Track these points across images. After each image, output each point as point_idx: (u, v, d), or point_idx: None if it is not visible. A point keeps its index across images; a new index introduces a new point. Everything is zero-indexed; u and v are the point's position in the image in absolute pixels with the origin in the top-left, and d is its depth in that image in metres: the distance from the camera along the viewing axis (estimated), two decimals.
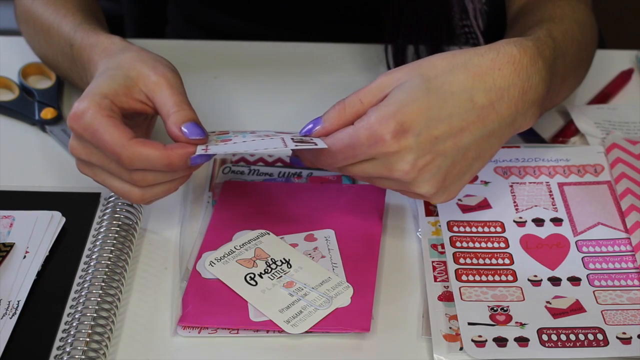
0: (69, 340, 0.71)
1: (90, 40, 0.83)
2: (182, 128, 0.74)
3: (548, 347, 0.72)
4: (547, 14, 0.88)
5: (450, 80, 0.73)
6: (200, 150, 0.73)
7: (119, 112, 0.75)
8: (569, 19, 0.87)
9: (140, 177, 0.74)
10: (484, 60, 0.74)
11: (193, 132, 0.74)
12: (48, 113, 0.94)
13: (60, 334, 0.73)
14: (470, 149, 0.74)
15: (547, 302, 0.75)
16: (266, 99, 0.98)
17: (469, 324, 0.73)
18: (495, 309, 0.75)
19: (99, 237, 0.79)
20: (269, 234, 0.81)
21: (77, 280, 0.77)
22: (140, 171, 0.73)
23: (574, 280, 0.77)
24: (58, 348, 0.72)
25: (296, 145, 0.73)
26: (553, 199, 0.85)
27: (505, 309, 0.75)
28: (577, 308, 0.75)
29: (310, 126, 0.75)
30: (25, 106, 0.95)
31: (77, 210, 0.83)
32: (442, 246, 0.80)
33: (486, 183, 0.86)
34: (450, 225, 0.82)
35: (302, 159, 0.77)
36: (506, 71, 0.74)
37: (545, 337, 0.72)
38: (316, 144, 0.72)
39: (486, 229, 0.82)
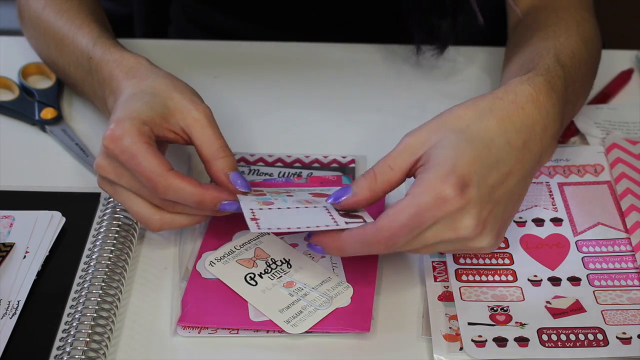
0: (69, 340, 0.71)
1: (113, 56, 0.84)
2: (230, 177, 0.76)
3: (548, 347, 0.72)
4: (551, 30, 0.87)
5: (485, 127, 0.72)
6: (249, 220, 0.72)
7: (155, 140, 0.76)
8: (575, 35, 0.86)
9: (170, 204, 0.75)
10: (505, 103, 0.73)
11: (241, 185, 0.76)
12: (48, 113, 0.94)
13: (60, 334, 0.73)
14: (515, 192, 0.73)
15: (547, 302, 0.75)
16: (266, 99, 0.98)
17: (469, 324, 0.73)
18: (495, 309, 0.75)
19: (99, 237, 0.79)
20: (269, 234, 0.81)
21: (77, 280, 0.77)
22: (171, 201, 0.75)
23: (574, 280, 0.77)
24: (58, 348, 0.72)
25: (347, 222, 0.71)
26: (553, 198, 0.85)
27: (505, 309, 0.75)
28: (577, 308, 0.75)
29: (339, 194, 0.73)
30: (25, 106, 0.95)
31: (77, 210, 0.83)
32: None
33: None
34: None
35: (329, 247, 0.72)
36: (528, 110, 0.74)
37: (545, 337, 0.72)
38: (364, 219, 0.70)
39: None
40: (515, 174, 0.72)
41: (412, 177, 0.72)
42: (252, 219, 0.72)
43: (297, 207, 0.75)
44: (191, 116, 0.77)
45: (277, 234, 0.81)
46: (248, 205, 0.74)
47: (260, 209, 0.74)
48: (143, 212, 0.76)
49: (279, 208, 0.75)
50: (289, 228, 0.72)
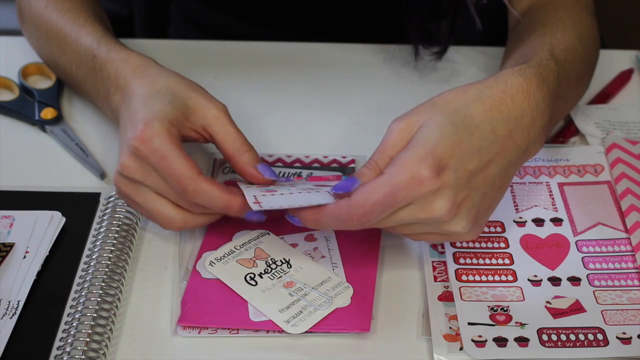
0: (69, 340, 0.71)
1: (119, 54, 0.84)
2: (258, 168, 0.77)
3: (548, 347, 0.72)
4: (548, 28, 0.87)
5: (471, 114, 0.72)
6: (252, 203, 0.73)
7: (182, 141, 0.77)
8: (571, 32, 0.86)
9: (195, 206, 0.76)
10: (494, 92, 0.74)
11: (270, 175, 0.77)
12: (48, 113, 0.94)
13: (60, 334, 0.73)
14: (496, 180, 0.73)
15: (547, 302, 0.75)
16: (266, 99, 0.98)
17: (469, 324, 0.73)
18: (495, 309, 0.75)
19: (99, 237, 0.79)
20: (269, 234, 0.81)
21: (77, 280, 0.77)
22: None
23: (574, 280, 0.77)
24: (58, 348, 0.72)
25: None
26: (553, 199, 0.85)
27: (505, 309, 0.75)
28: (577, 308, 0.75)
29: (346, 184, 0.72)
30: (25, 106, 0.95)
31: (77, 210, 0.83)
32: (442, 246, 0.80)
33: None
34: None
35: (306, 219, 0.73)
36: (517, 100, 0.74)
37: (545, 337, 0.72)
38: None
39: (486, 229, 0.82)
40: (497, 162, 0.73)
41: None
42: (255, 202, 0.73)
43: (299, 193, 0.75)
44: (211, 114, 0.78)
45: (277, 233, 0.81)
46: (252, 193, 0.75)
47: (263, 195, 0.75)
48: (166, 212, 0.76)
49: (281, 194, 0.75)
50: (290, 205, 0.73)
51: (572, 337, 0.72)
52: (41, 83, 0.98)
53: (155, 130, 0.75)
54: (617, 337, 0.72)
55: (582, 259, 0.79)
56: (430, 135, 0.71)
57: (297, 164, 0.89)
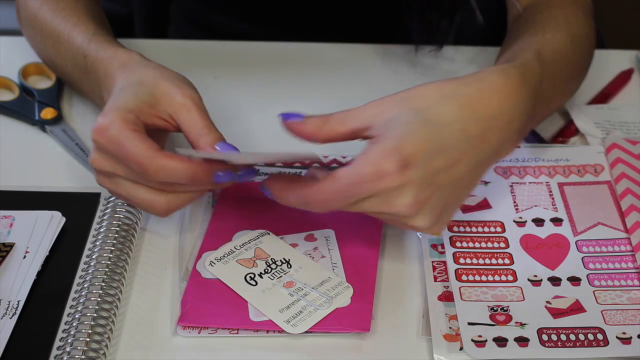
0: (69, 340, 0.71)
1: (106, 53, 0.83)
2: (216, 147, 0.75)
3: (548, 347, 0.72)
4: (540, 27, 0.86)
5: (443, 111, 0.72)
6: (195, 152, 0.74)
7: (143, 127, 0.75)
8: (563, 32, 0.86)
9: (169, 185, 0.75)
10: (471, 90, 0.73)
11: (227, 149, 0.76)
12: (48, 113, 0.94)
13: (60, 334, 0.73)
14: (464, 179, 0.73)
15: (547, 302, 0.75)
16: (266, 99, 0.98)
17: (469, 324, 0.73)
18: (495, 309, 0.75)
19: (99, 237, 0.79)
20: (269, 234, 0.81)
21: (77, 280, 0.77)
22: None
23: (574, 280, 0.77)
24: (58, 348, 0.72)
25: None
26: (553, 199, 0.85)
27: (505, 309, 0.75)
28: (577, 308, 0.75)
29: (291, 115, 0.74)
30: (25, 106, 0.95)
31: (77, 210, 0.83)
32: (442, 246, 0.80)
33: (486, 183, 0.86)
34: (450, 225, 0.82)
35: (277, 194, 0.74)
36: (493, 101, 0.73)
37: (545, 337, 0.72)
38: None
39: (486, 229, 0.82)
40: (465, 161, 0.72)
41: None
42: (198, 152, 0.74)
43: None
44: (176, 101, 0.77)
45: (277, 233, 0.81)
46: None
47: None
48: (147, 197, 0.75)
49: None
50: (235, 157, 0.74)
51: (572, 337, 0.72)
52: (41, 83, 0.98)
53: (109, 119, 0.74)
54: (617, 337, 0.72)
55: (582, 259, 0.79)
56: (397, 130, 0.70)
57: (298, 164, 0.89)
